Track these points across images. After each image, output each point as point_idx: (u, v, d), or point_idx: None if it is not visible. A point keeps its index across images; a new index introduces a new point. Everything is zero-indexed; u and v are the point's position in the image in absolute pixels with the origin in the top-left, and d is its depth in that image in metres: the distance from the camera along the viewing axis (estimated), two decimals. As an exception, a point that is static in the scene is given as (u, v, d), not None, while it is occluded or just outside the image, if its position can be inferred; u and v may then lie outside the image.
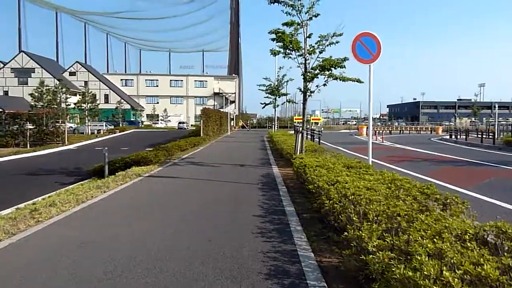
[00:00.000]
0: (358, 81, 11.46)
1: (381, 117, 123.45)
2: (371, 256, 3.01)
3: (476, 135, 31.32)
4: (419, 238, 3.11)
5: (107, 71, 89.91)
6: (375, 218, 3.95)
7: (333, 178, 6.05)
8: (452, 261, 2.61)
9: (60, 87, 31.30)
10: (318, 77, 12.00)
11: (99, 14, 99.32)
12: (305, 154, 11.65)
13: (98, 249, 4.58)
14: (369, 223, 3.75)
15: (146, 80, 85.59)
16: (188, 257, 4.31)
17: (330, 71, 11.59)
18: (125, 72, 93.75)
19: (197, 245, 4.73)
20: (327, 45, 11.83)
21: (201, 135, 24.98)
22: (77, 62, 79.87)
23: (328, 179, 6.13)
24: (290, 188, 8.89)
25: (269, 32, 12.23)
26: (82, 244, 4.74)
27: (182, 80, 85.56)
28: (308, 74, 11.90)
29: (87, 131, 37.91)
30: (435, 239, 3.00)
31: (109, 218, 6.11)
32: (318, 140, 23.94)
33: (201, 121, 25.59)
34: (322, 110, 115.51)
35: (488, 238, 3.45)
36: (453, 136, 35.87)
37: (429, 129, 56.75)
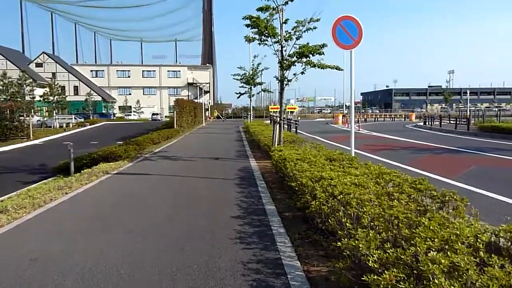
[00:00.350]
0: (338, 68, 11.01)
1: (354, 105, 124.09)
2: (374, 276, 2.50)
3: (449, 121, 31.66)
4: (428, 250, 2.62)
5: (77, 62, 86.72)
6: (370, 223, 3.46)
7: (317, 174, 5.55)
8: (476, 284, 2.13)
9: (23, 79, 29.54)
10: (295, 65, 11.47)
11: (66, 3, 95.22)
12: (283, 146, 11.14)
13: (51, 265, 3.93)
14: (364, 230, 3.25)
15: (117, 71, 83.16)
16: (157, 273, 3.72)
17: (308, 58, 11.07)
18: (95, 63, 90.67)
19: (167, 256, 4.14)
20: (304, 31, 11.31)
21: (175, 127, 24.10)
22: (43, 52, 76.81)
23: (311, 174, 5.62)
24: (269, 183, 8.38)
25: (243, 18, 11.56)
26: (32, 260, 4.07)
27: (154, 71, 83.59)
28: (285, 61, 11.36)
29: (55, 125, 36.24)
30: (448, 252, 2.52)
31: (67, 227, 5.42)
32: (295, 129, 23.55)
33: (174, 112, 24.65)
34: (297, 99, 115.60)
35: (500, 244, 3.03)
36: (427, 123, 36.22)
37: (403, 116, 57.39)
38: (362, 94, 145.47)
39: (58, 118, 38.09)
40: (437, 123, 32.18)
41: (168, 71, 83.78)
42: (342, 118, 41.07)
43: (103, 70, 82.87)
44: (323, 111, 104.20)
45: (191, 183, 8.62)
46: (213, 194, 7.34)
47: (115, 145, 13.35)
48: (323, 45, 10.89)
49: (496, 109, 50.70)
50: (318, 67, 11.06)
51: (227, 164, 11.66)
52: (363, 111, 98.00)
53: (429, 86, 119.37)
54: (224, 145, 17.78)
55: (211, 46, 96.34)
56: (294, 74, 11.65)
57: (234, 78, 31.54)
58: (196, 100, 52.93)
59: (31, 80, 31.48)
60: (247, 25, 11.49)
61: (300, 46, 11.09)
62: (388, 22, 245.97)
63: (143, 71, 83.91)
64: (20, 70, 35.76)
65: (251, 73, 31.54)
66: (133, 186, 8.40)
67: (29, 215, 5.91)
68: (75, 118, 44.23)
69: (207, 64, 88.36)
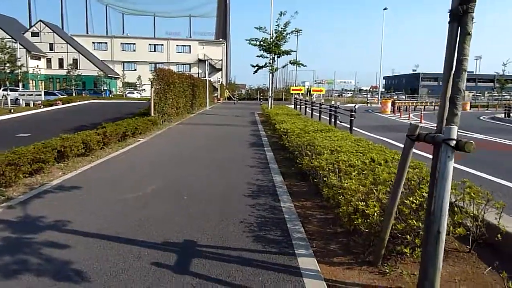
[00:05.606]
0: None
1: (371, 89, 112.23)
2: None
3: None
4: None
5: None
6: None
7: None
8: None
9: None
10: None
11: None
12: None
13: None
14: None
15: (121, 43, 74.10)
16: None
17: None
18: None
19: None
20: None
21: (152, 114, 14.88)
22: (40, 21, 67.94)
23: None
24: None
25: None
26: None
27: (162, 45, 74.30)
28: None
29: (18, 102, 27.63)
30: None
31: None
32: (340, 122, 14.53)
33: (152, 91, 15.20)
34: (315, 81, 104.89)
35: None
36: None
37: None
38: (385, 78, 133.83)
39: (24, 94, 29.39)
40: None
41: (177, 45, 74.36)
42: (391, 105, 31.43)
43: (106, 42, 73.82)
44: (343, 95, 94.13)
45: None
46: None
47: None
48: None
49: None
50: None
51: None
52: (388, 96, 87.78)
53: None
54: (227, 162, 8.69)
55: (226, 22, 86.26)
56: None
57: (250, 43, 22.33)
58: (203, 78, 43.51)
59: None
60: None
61: None
62: (409, 8, 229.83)
63: (149, 44, 74.62)
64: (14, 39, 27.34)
65: (274, 37, 22.31)
66: None
67: None
68: (52, 95, 35.62)
69: (220, 39, 78.58)
